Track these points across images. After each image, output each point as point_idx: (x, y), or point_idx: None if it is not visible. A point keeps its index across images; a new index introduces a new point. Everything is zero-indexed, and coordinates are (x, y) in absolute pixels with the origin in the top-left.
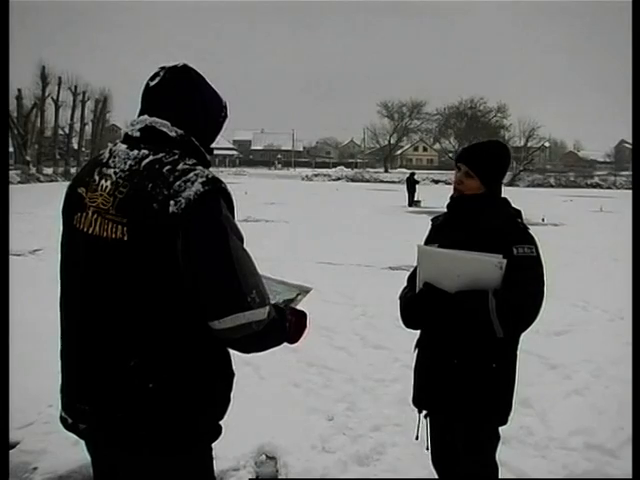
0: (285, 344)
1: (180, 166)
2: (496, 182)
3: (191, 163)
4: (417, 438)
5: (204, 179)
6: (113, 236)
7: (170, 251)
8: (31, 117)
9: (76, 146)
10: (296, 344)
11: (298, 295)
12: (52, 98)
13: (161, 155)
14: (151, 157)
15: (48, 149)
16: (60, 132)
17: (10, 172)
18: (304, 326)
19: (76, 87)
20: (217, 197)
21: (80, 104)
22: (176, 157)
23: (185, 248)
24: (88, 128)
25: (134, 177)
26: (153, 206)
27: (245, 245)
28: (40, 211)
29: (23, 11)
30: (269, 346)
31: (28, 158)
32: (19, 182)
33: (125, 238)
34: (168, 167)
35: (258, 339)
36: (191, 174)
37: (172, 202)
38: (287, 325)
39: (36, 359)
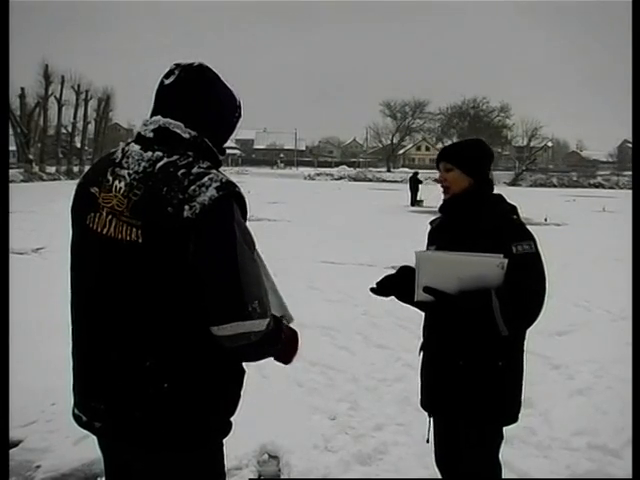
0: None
1: (195, 169)
2: (479, 172)
3: (205, 166)
4: (428, 441)
5: (218, 184)
6: (128, 238)
7: (183, 254)
8: (34, 116)
9: (79, 145)
10: (288, 364)
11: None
12: (55, 97)
13: (175, 158)
14: (165, 159)
15: (51, 148)
16: (63, 131)
17: (13, 171)
18: (296, 344)
19: (79, 86)
20: (230, 202)
21: (83, 103)
22: (190, 160)
23: (195, 252)
24: (91, 127)
25: (149, 180)
26: (168, 210)
27: (256, 253)
28: (43, 210)
29: (26, 10)
30: (263, 357)
31: (31, 157)
32: (22, 180)
33: (140, 241)
34: (183, 170)
35: (254, 349)
36: (205, 178)
37: (187, 207)
38: (283, 338)
39: (39, 357)
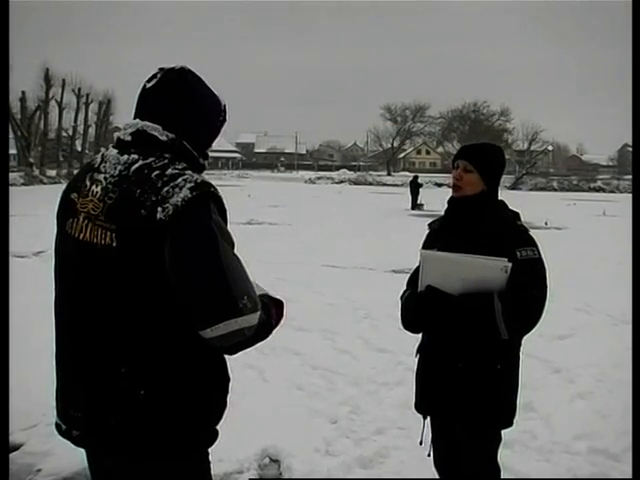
0: None
1: (169, 171)
2: (494, 180)
3: (181, 167)
4: (421, 443)
5: (192, 184)
6: (102, 242)
7: (158, 258)
8: (35, 119)
9: (80, 148)
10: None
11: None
12: (56, 100)
13: (151, 160)
14: (141, 162)
15: (52, 151)
16: (64, 134)
17: (14, 174)
18: (282, 315)
19: (80, 89)
20: (206, 202)
21: (84, 106)
22: (166, 162)
23: (173, 255)
24: (91, 130)
25: (123, 183)
26: (141, 212)
27: (236, 250)
28: (43, 213)
29: (26, 13)
30: (255, 344)
31: (32, 160)
32: (22, 184)
33: (114, 244)
34: (157, 172)
35: (249, 343)
36: (179, 179)
37: (160, 208)
38: (272, 322)
39: (40, 361)
